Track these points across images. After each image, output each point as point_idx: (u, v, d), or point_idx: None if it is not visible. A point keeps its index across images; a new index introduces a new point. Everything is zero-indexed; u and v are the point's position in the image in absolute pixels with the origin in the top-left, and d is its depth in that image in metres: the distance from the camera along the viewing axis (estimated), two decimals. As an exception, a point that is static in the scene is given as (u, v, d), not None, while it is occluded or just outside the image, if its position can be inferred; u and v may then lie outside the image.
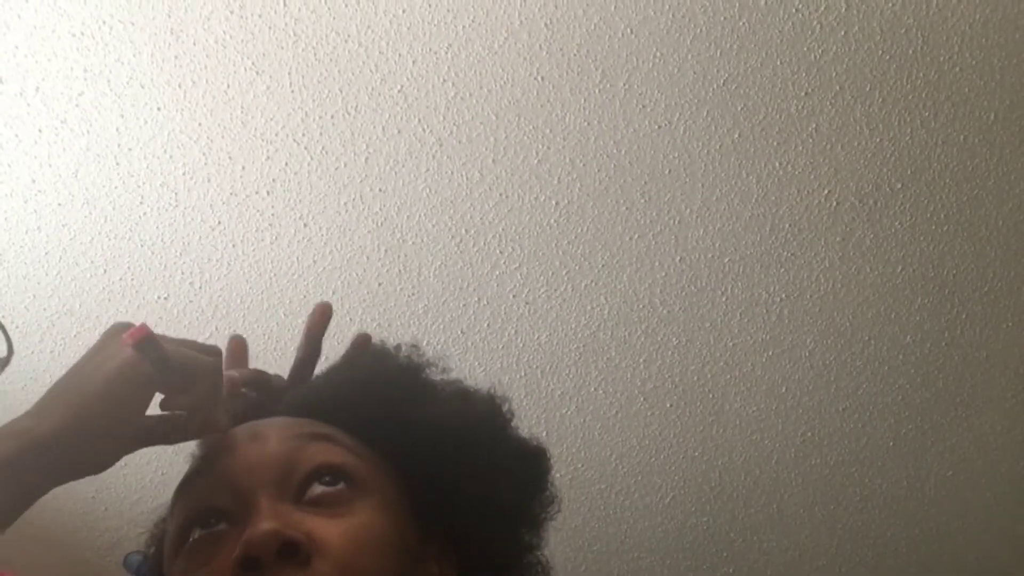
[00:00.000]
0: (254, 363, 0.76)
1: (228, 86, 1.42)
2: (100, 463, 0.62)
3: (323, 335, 0.75)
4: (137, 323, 0.61)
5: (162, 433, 0.63)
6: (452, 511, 0.65)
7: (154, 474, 1.78)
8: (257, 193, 1.53)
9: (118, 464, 0.67)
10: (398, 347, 0.73)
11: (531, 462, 0.71)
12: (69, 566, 1.93)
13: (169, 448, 0.69)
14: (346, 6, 1.35)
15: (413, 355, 0.73)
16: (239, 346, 0.75)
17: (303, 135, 1.47)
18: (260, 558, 0.55)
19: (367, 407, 0.67)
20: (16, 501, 0.59)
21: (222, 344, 0.71)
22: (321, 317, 0.75)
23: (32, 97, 1.41)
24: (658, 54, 1.41)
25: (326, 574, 0.56)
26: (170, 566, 0.61)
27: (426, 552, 0.63)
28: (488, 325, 1.71)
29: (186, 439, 0.65)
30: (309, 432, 0.63)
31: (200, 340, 0.71)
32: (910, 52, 1.42)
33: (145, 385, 0.61)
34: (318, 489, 0.60)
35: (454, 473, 0.66)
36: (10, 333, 1.54)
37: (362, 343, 0.75)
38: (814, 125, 1.49)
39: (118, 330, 0.62)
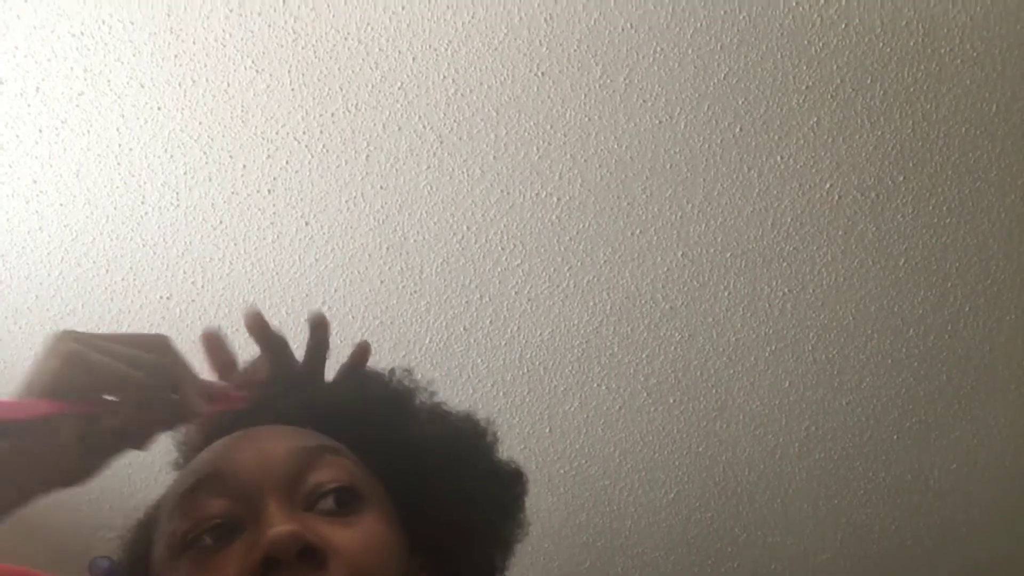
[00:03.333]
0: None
1: (228, 85, 1.41)
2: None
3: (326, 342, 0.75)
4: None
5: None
6: (430, 529, 0.67)
7: (158, 472, 1.78)
8: (258, 192, 1.53)
9: (122, 462, 0.66)
10: (391, 371, 0.74)
11: (507, 486, 0.73)
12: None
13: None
14: (346, 3, 1.35)
15: (404, 379, 0.74)
16: (213, 339, 0.73)
17: (304, 133, 1.47)
18: (281, 559, 0.56)
19: (353, 427, 0.68)
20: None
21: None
22: (319, 327, 0.75)
23: (32, 97, 1.41)
24: (658, 49, 1.41)
25: None
26: (165, 573, 0.61)
27: (413, 565, 0.65)
28: (490, 322, 1.71)
29: (122, 444, 0.63)
30: (316, 445, 0.65)
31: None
32: (911, 45, 1.42)
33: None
34: (329, 504, 0.61)
35: (432, 494, 0.68)
36: (12, 334, 1.54)
37: (363, 352, 0.75)
38: (815, 119, 1.49)
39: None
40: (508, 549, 0.71)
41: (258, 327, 0.72)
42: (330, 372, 0.77)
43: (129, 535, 0.69)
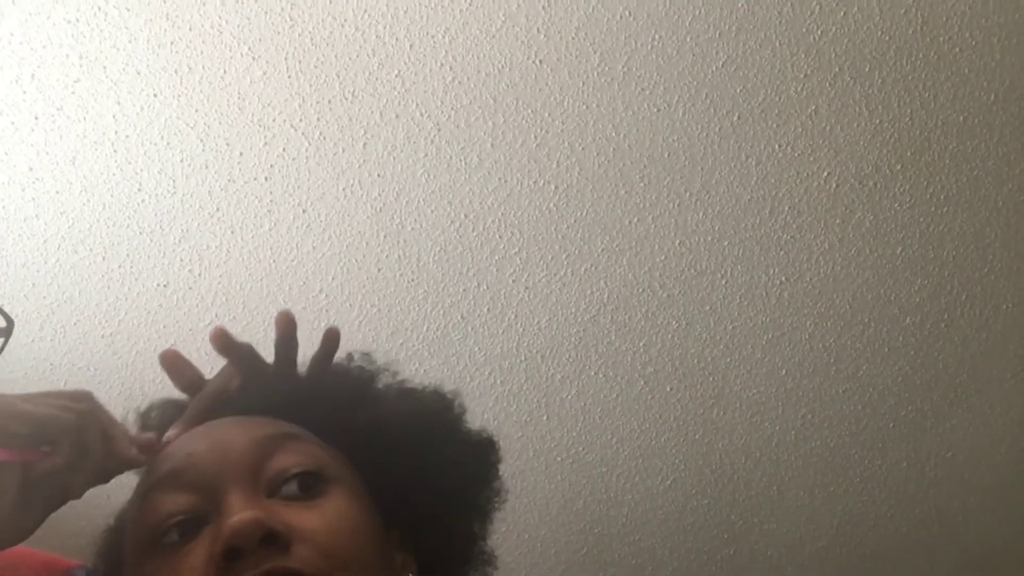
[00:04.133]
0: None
1: (225, 72, 1.41)
2: None
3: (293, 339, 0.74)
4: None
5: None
6: (406, 503, 0.67)
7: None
8: (255, 179, 1.53)
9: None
10: (349, 356, 0.74)
11: (479, 454, 0.73)
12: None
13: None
14: (342, -10, 1.35)
15: (364, 363, 0.74)
16: (173, 358, 0.72)
17: (300, 121, 1.47)
18: (243, 547, 0.55)
19: (319, 416, 0.68)
20: None
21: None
22: (286, 329, 0.74)
23: (28, 84, 1.40)
24: (656, 37, 1.41)
25: (307, 558, 0.56)
26: (135, 573, 0.61)
27: (390, 541, 0.65)
28: (488, 310, 1.71)
29: (60, 494, 0.62)
30: (276, 432, 0.64)
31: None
32: (909, 33, 1.41)
33: None
34: (292, 488, 0.61)
35: (404, 468, 0.67)
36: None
37: (332, 339, 0.74)
38: (813, 107, 1.49)
39: None
40: (486, 517, 0.72)
41: (222, 343, 0.71)
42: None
43: (101, 541, 0.69)
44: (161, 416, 0.72)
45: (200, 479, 0.60)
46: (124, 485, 0.67)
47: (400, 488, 0.66)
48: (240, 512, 0.57)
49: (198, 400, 0.70)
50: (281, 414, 0.67)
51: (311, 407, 0.69)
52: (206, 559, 0.57)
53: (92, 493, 0.66)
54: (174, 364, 0.72)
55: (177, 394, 0.73)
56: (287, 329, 0.73)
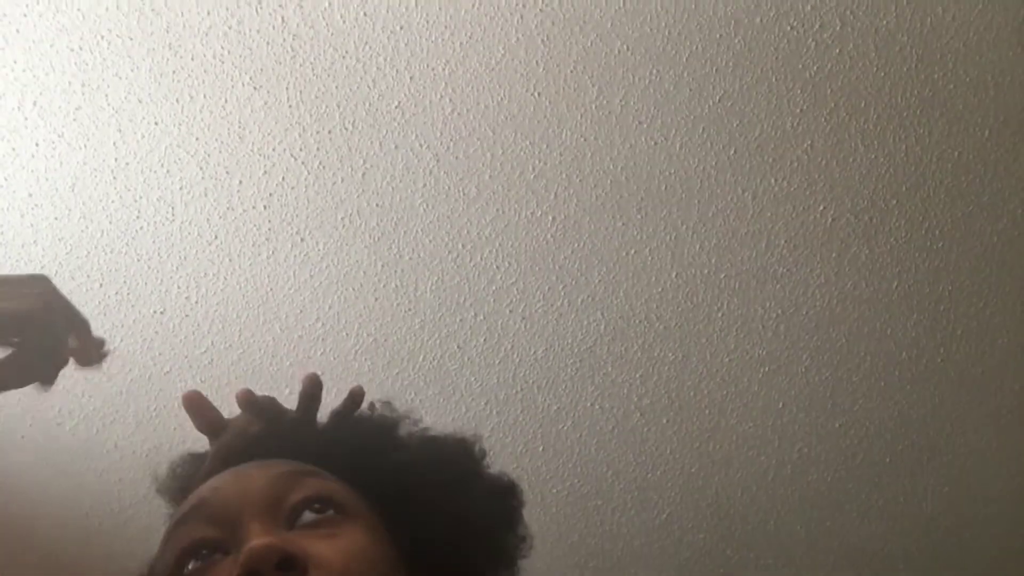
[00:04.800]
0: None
1: (226, 101, 1.42)
2: None
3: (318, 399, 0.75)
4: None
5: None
6: (428, 548, 0.67)
7: (147, 490, 1.77)
8: (254, 208, 1.53)
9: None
10: (371, 405, 0.75)
11: (501, 499, 0.73)
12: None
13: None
14: (344, 22, 1.36)
15: (386, 411, 0.75)
16: (195, 400, 0.73)
17: (300, 150, 1.48)
18: (260, 571, 0.56)
19: (343, 464, 0.69)
20: None
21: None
22: (312, 387, 0.75)
23: (30, 111, 1.41)
24: (654, 71, 1.42)
25: None
26: None
27: None
28: (485, 340, 1.71)
29: (28, 381, 0.64)
30: (296, 469, 0.66)
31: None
32: (904, 69, 1.43)
33: None
34: (309, 516, 0.62)
35: (425, 513, 0.68)
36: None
37: (356, 397, 0.75)
38: (809, 142, 1.50)
39: None
40: (512, 563, 0.72)
41: (246, 402, 0.73)
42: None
43: None
44: (186, 469, 0.73)
45: (222, 511, 0.62)
46: (155, 534, 0.68)
47: (421, 532, 0.67)
48: (261, 537, 0.58)
49: (219, 445, 0.71)
50: (303, 458, 0.68)
51: (333, 453, 0.70)
52: None
53: (125, 544, 0.67)
54: (196, 406, 0.73)
55: (193, 439, 0.74)
56: (313, 387, 0.75)
